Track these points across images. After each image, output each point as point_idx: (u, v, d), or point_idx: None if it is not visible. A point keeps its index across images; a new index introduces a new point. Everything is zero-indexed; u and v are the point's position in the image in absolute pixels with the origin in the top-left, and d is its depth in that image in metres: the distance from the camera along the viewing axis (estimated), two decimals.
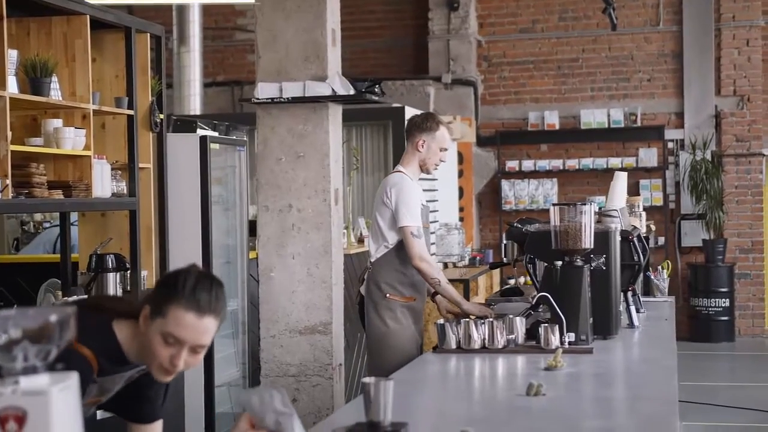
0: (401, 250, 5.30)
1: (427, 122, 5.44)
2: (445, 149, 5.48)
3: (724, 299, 12.54)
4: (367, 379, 2.79)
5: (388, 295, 5.33)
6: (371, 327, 5.39)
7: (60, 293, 5.53)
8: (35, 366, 1.79)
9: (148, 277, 6.01)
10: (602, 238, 4.66)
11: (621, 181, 5.71)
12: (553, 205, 4.59)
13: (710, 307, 12.54)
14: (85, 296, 5.20)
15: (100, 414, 4.60)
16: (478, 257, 11.05)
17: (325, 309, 5.90)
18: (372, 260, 5.43)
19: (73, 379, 1.82)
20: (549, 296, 4.42)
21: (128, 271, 5.72)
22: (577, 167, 13.04)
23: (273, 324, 5.81)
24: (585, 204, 4.55)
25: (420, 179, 5.58)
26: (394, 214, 5.27)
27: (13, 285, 6.38)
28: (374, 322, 5.37)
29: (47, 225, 8.92)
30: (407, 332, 5.33)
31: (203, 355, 2.73)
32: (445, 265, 10.46)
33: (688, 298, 12.81)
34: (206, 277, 2.70)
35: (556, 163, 13.10)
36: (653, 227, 10.64)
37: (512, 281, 12.03)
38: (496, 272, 11.58)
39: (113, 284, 5.57)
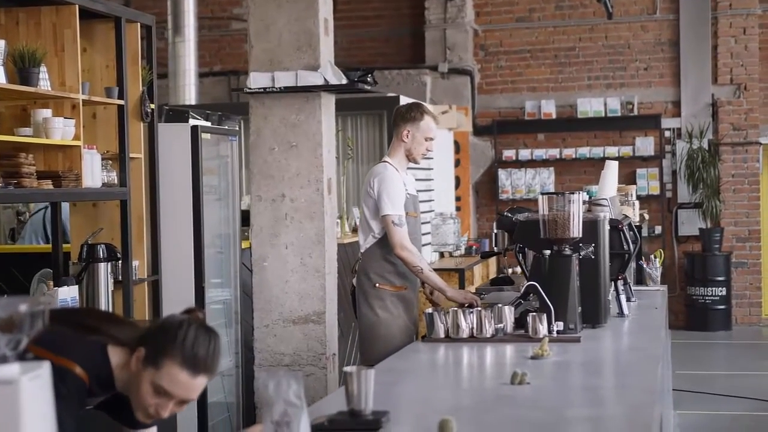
0: (388, 239, 5.32)
1: (411, 112, 5.46)
2: (431, 138, 5.47)
3: (720, 288, 12.54)
4: (348, 369, 2.80)
5: (377, 284, 5.36)
6: (362, 317, 5.42)
7: (51, 283, 5.53)
8: (5, 355, 1.79)
9: (140, 267, 6.01)
10: (591, 227, 4.66)
11: (612, 170, 5.71)
12: (542, 194, 4.60)
13: (707, 296, 12.55)
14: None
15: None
16: (474, 247, 11.05)
17: (318, 298, 5.90)
18: (361, 251, 5.46)
19: (44, 368, 1.82)
20: (537, 285, 4.42)
21: (119, 261, 5.72)
22: (573, 156, 13.03)
23: (266, 314, 5.81)
24: (573, 193, 4.54)
25: (417, 168, 5.60)
26: (376, 204, 5.31)
27: (8, 275, 6.38)
28: (365, 312, 5.39)
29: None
30: (398, 321, 5.35)
31: (186, 407, 2.74)
32: (441, 255, 10.47)
33: (684, 287, 12.82)
34: (205, 332, 2.69)
35: (553, 152, 13.09)
36: (647, 216, 10.63)
37: (509, 270, 12.05)
38: (493, 261, 11.59)
39: (104, 274, 5.56)
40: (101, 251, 5.57)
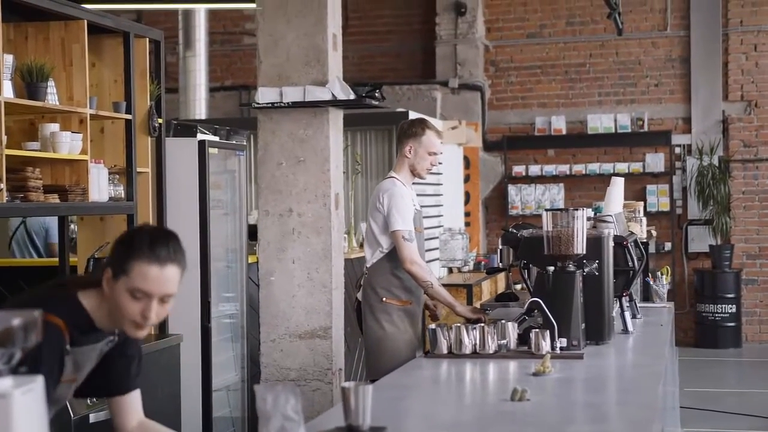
0: (396, 254, 5.33)
1: (412, 128, 5.51)
2: (434, 153, 5.51)
3: (730, 305, 12.50)
4: (346, 384, 2.80)
5: (384, 299, 5.38)
6: (368, 331, 5.44)
7: None
8: None
9: None
10: (595, 243, 4.65)
11: (618, 186, 5.71)
12: (546, 210, 4.60)
13: (717, 313, 12.50)
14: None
15: (93, 417, 4.65)
16: (483, 262, 11.05)
17: (325, 313, 5.91)
18: (368, 265, 5.50)
19: (37, 382, 1.84)
20: (540, 302, 4.42)
21: None
22: (584, 172, 13.02)
23: (273, 328, 5.82)
24: (577, 209, 4.54)
25: (426, 183, 5.63)
26: (386, 219, 5.34)
27: (16, 288, 6.41)
28: (371, 327, 5.41)
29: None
30: (404, 336, 5.37)
31: (171, 304, 2.82)
32: (450, 270, 10.47)
33: (694, 303, 12.78)
34: (160, 232, 2.85)
35: (563, 168, 13.09)
36: (654, 233, 10.61)
37: (518, 286, 12.02)
38: (501, 277, 11.57)
39: None
40: None
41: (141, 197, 5.95)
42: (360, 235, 8.53)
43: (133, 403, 3.10)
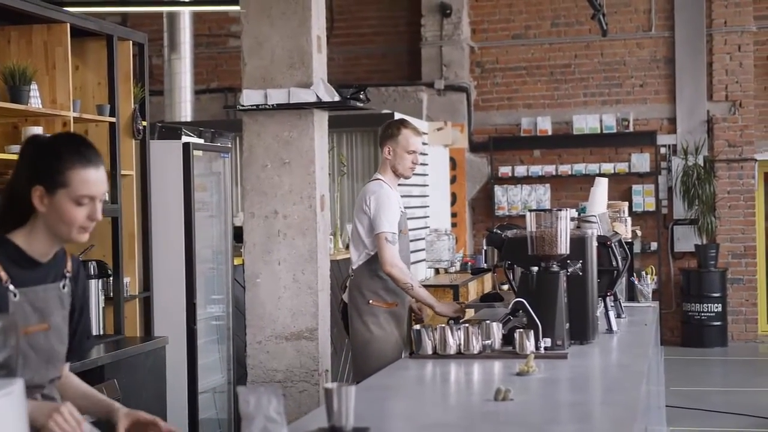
0: None
1: (388, 129, 5.59)
2: (413, 152, 5.54)
3: (716, 304, 12.54)
4: (328, 385, 2.81)
5: (370, 301, 5.40)
6: (355, 333, 5.45)
7: None
8: None
9: (131, 283, 6.02)
10: (579, 243, 4.67)
11: (601, 187, 5.72)
12: (530, 211, 4.61)
13: (703, 312, 12.54)
14: None
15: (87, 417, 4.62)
16: (470, 263, 11.05)
17: (311, 315, 5.91)
18: (354, 267, 5.52)
19: (16, 385, 1.84)
20: (525, 302, 4.43)
21: (110, 278, 5.73)
22: (569, 173, 13.05)
23: (259, 330, 5.82)
24: (561, 210, 4.56)
25: (412, 185, 5.65)
26: (372, 221, 5.35)
27: None
28: (358, 329, 5.42)
29: None
30: (391, 338, 5.39)
31: None
32: (437, 271, 10.48)
33: (680, 303, 12.82)
34: (75, 136, 2.86)
35: (549, 169, 13.12)
36: (639, 233, 10.65)
37: (505, 287, 12.03)
38: (488, 278, 11.59)
39: (95, 291, 5.57)
40: (92, 268, 5.58)
41: (125, 200, 5.95)
42: (346, 237, 8.53)
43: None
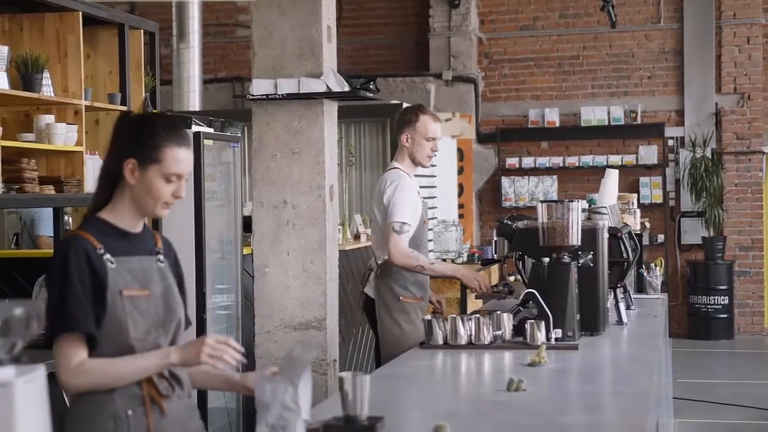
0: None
1: (406, 116, 5.43)
2: (432, 138, 5.40)
3: (723, 297, 12.54)
4: (343, 374, 2.81)
5: (401, 297, 5.28)
6: (385, 330, 5.31)
7: None
8: (0, 359, 1.81)
9: None
10: (590, 235, 4.66)
11: (612, 178, 5.72)
12: (541, 202, 4.61)
13: (709, 304, 12.54)
14: None
15: None
16: (477, 254, 11.05)
17: (319, 305, 5.91)
18: (379, 262, 5.35)
19: (39, 371, 1.84)
20: (536, 293, 4.43)
21: None
22: (577, 164, 13.05)
23: (268, 319, 5.82)
24: (572, 201, 4.56)
25: (419, 175, 5.56)
26: (386, 210, 5.25)
27: (10, 279, 6.40)
28: (388, 325, 5.30)
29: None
30: (421, 333, 5.27)
31: None
32: (444, 262, 10.47)
33: (687, 295, 12.82)
34: (167, 116, 3.02)
35: (556, 161, 13.11)
36: (648, 224, 10.65)
37: (512, 278, 12.04)
38: (495, 269, 11.59)
39: None
40: None
41: None
42: (355, 227, 8.54)
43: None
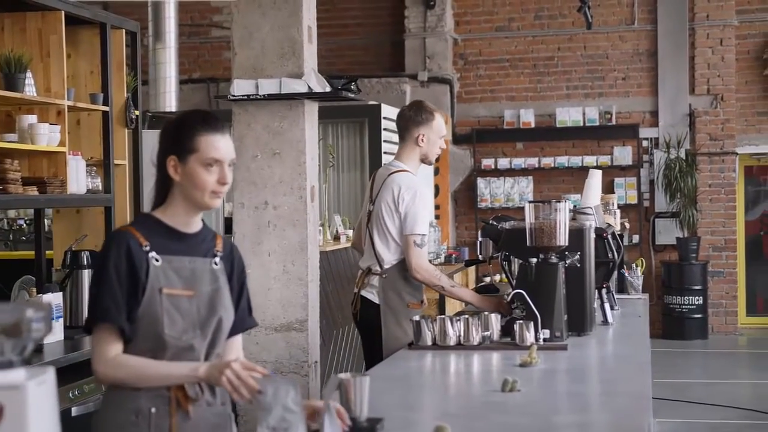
0: None
1: (422, 114, 5.20)
2: (444, 136, 5.27)
3: (697, 297, 12.62)
4: (343, 375, 2.80)
5: (409, 304, 5.14)
6: (391, 336, 5.11)
7: (35, 290, 5.49)
8: (11, 360, 1.78)
9: None
10: (577, 235, 4.68)
11: (595, 179, 5.73)
12: (529, 202, 4.61)
13: (684, 304, 12.62)
14: None
15: (75, 410, 4.61)
16: (454, 255, 11.07)
17: (300, 306, 5.89)
18: (386, 266, 5.16)
19: (49, 374, 1.82)
20: (524, 293, 4.44)
21: None
22: (552, 165, 13.09)
23: None
24: (560, 202, 4.56)
25: None
26: (403, 220, 5.06)
27: None
28: (394, 332, 5.11)
29: (21, 222, 8.87)
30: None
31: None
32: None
33: (661, 295, 12.89)
34: (199, 110, 3.06)
35: (532, 161, 13.15)
36: (627, 225, 10.69)
37: (487, 279, 12.06)
38: (472, 270, 11.61)
39: (88, 281, 5.53)
40: (85, 258, 5.53)
41: (118, 189, 5.91)
42: (335, 228, 8.52)
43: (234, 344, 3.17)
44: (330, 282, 7.53)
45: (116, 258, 2.87)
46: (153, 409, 2.88)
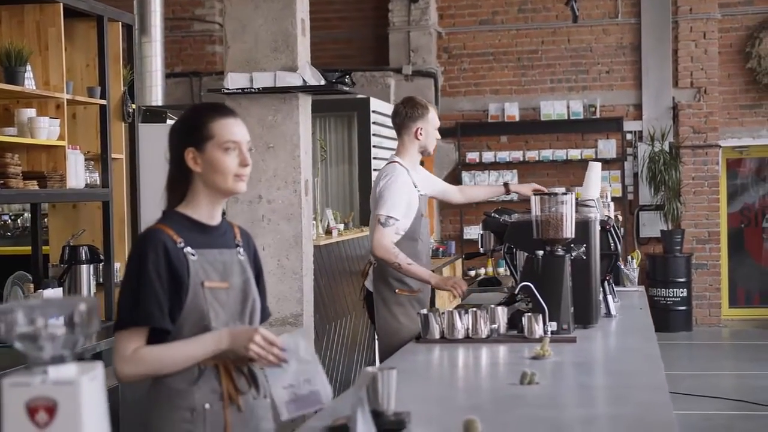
0: (406, 243, 5.21)
1: (417, 109, 5.38)
2: (438, 126, 5.49)
3: (681, 289, 12.68)
4: (371, 369, 2.78)
5: (397, 290, 5.25)
6: (382, 323, 5.28)
7: (32, 286, 5.44)
8: (63, 355, 1.76)
9: (121, 269, 5.94)
10: (582, 227, 4.67)
11: (595, 171, 5.74)
12: (535, 194, 4.60)
13: (668, 297, 12.67)
14: None
15: None
16: (441, 249, 11.08)
17: (295, 300, 5.89)
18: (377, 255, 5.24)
19: (98, 369, 1.80)
20: (531, 286, 4.43)
21: (101, 263, 5.65)
22: (537, 159, 13.10)
23: None
24: (566, 194, 4.56)
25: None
26: (377, 201, 5.20)
27: None
28: (386, 319, 5.26)
29: (6, 217, 8.79)
30: (417, 326, 5.21)
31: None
32: None
33: (646, 288, 12.90)
34: (205, 103, 3.17)
35: (516, 155, 13.16)
36: (620, 217, 10.73)
37: (482, 271, 12.08)
38: (458, 263, 11.62)
39: (86, 276, 5.50)
40: (83, 253, 5.50)
41: (116, 184, 5.86)
42: (327, 222, 8.50)
43: None
44: (323, 276, 7.51)
45: (154, 258, 2.83)
46: (207, 405, 2.85)
